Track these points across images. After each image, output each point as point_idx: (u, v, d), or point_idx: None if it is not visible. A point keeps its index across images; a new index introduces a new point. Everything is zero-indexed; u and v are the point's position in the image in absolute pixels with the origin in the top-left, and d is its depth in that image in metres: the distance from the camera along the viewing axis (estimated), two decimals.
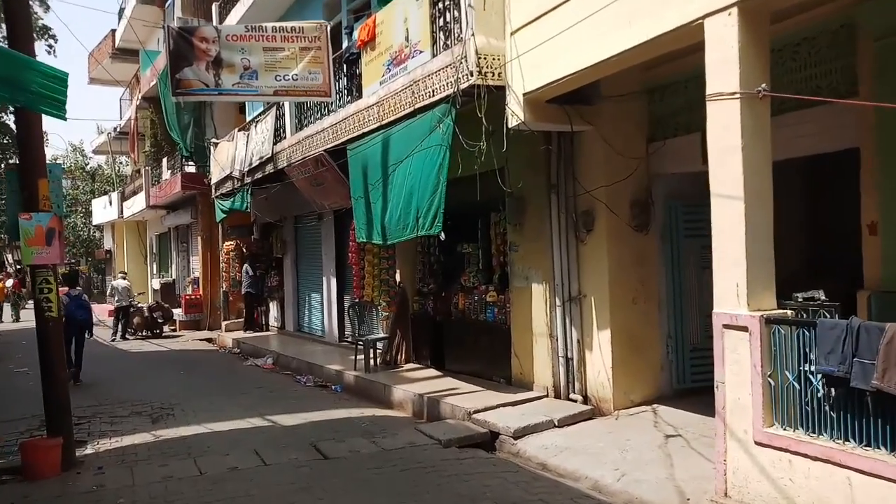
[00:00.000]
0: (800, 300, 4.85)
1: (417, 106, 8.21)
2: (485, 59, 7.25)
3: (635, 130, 7.78)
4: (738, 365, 4.78)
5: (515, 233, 8.53)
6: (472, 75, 7.22)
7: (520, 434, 6.97)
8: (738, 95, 4.72)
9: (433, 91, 7.92)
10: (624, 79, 7.46)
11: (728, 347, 4.83)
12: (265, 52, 8.06)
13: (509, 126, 7.25)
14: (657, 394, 7.84)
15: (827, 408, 4.26)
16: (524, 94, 7.06)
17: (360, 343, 10.70)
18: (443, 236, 7.38)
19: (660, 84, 7.69)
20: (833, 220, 7.59)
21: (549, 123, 7.37)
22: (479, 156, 7.18)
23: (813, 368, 4.34)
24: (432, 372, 10.03)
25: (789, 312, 4.75)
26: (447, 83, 7.65)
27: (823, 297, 4.71)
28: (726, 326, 4.82)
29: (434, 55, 8.06)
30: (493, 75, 7.29)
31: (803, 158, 6.39)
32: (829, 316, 4.64)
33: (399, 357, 10.83)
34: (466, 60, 7.27)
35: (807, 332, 4.39)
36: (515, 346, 8.61)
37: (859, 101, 5.28)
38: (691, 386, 8.00)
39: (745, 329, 4.69)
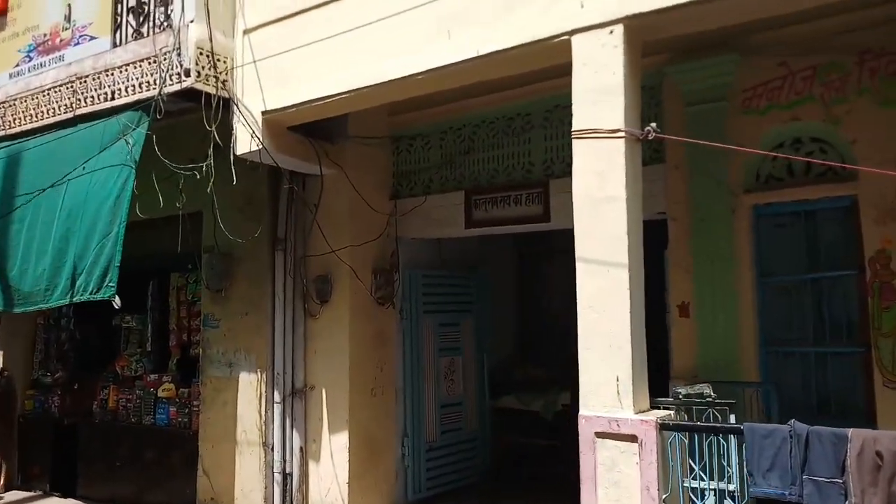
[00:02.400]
0: (681, 397, 3.89)
1: (82, 111, 5.66)
2: (207, 56, 5.21)
3: (382, 184, 6.42)
4: (618, 487, 3.55)
5: (215, 302, 6.28)
6: (187, 75, 5.09)
7: None
8: (621, 134, 3.69)
9: (113, 92, 5.52)
10: (371, 119, 6.13)
11: (603, 464, 3.58)
12: None
13: (237, 153, 5.26)
14: None
15: None
16: (263, 113, 5.19)
17: None
18: (117, 302, 4.83)
19: (408, 133, 6.50)
20: None
21: (291, 158, 5.56)
22: (205, 186, 5.05)
23: (731, 488, 3.32)
24: (56, 501, 6.85)
25: (671, 413, 3.74)
26: (142, 83, 5.36)
27: (713, 394, 3.83)
28: (602, 435, 3.59)
29: (117, 44, 5.69)
30: (215, 81, 5.26)
31: None
32: (720, 418, 3.75)
33: None
34: (180, 55, 5.13)
35: (722, 442, 3.39)
36: (205, 460, 6.21)
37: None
38: (426, 495, 6.64)
39: (631, 439, 3.51)
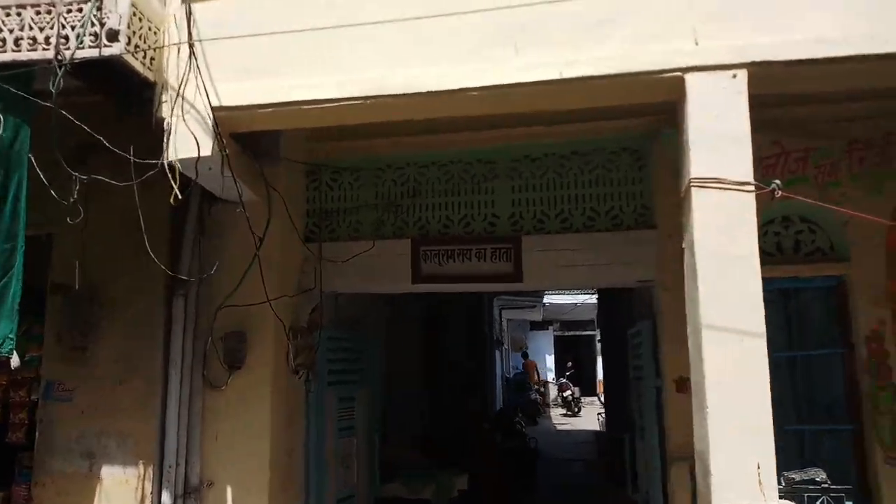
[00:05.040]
0: (795, 483, 3.43)
1: None
2: (140, 19, 3.76)
3: (299, 222, 5.22)
4: None
5: (70, 364, 4.39)
6: (111, 40, 3.61)
7: None
8: (750, 188, 3.28)
9: None
10: (289, 141, 5.03)
11: None
12: None
13: (170, 158, 3.80)
14: None
15: None
16: (215, 110, 3.84)
17: None
18: (16, 360, 3.11)
19: (332, 164, 5.42)
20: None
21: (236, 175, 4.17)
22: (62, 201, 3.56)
23: None
24: None
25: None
26: (21, 40, 3.70)
27: (827, 480, 3.42)
28: None
29: None
30: (143, 56, 3.81)
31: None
32: None
33: None
34: (101, 9, 3.63)
35: None
36: None
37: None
38: None
39: None
